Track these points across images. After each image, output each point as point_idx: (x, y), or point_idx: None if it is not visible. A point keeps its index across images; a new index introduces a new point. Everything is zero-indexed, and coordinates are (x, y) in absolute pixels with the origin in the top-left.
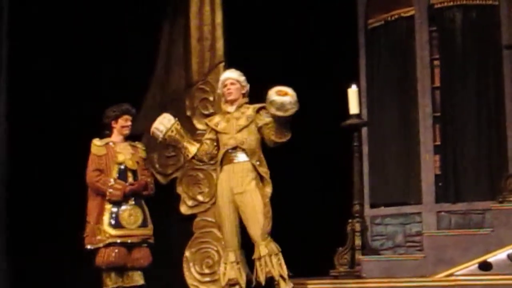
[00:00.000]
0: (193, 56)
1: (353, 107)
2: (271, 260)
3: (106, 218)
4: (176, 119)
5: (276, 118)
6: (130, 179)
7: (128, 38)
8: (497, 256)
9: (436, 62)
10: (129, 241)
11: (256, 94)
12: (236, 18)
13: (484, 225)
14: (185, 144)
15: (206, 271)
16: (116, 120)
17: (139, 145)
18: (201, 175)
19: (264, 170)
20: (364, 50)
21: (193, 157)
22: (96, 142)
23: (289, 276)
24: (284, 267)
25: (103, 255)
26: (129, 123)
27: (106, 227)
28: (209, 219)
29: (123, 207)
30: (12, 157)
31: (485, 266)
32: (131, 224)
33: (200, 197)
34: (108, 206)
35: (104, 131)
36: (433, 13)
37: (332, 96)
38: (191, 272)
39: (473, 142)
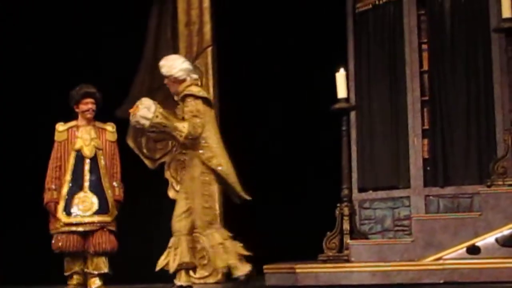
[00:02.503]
0: (181, 40)
1: (341, 91)
2: (214, 252)
3: (61, 205)
4: (156, 102)
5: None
6: (87, 167)
7: (116, 23)
8: (486, 240)
9: (425, 46)
10: (80, 229)
11: (244, 78)
12: (223, 2)
13: (472, 209)
14: (175, 124)
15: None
16: (78, 105)
17: (108, 127)
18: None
19: (189, 160)
20: (352, 34)
21: (187, 136)
22: (58, 127)
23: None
24: (232, 254)
25: (56, 240)
26: (90, 106)
27: (60, 214)
28: None
29: (77, 195)
30: None
31: (474, 250)
32: (84, 212)
33: None
34: (63, 193)
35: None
36: None
37: (320, 80)
38: None
39: (461, 126)
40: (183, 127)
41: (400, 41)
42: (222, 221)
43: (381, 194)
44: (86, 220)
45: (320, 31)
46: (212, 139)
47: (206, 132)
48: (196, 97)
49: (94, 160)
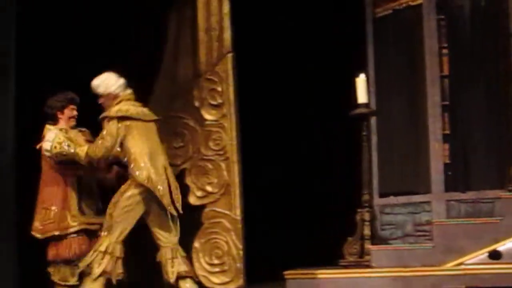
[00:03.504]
0: (201, 46)
1: (362, 96)
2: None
3: (73, 203)
4: (59, 131)
5: None
6: None
7: (136, 30)
8: (507, 245)
9: (445, 51)
10: (92, 228)
11: (263, 84)
12: (243, 8)
13: (493, 214)
14: (75, 150)
15: (216, 261)
16: (62, 111)
17: (85, 130)
18: (210, 165)
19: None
20: (372, 39)
21: (86, 161)
22: (51, 128)
23: None
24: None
25: (69, 245)
26: (75, 112)
27: (75, 212)
28: (218, 209)
29: (84, 193)
30: None
31: (495, 255)
32: (91, 212)
33: (209, 188)
34: (73, 192)
35: (47, 121)
36: (441, 1)
37: (341, 86)
38: (201, 263)
39: (482, 131)
40: (82, 151)
41: (419, 45)
42: (243, 226)
43: (401, 199)
44: (93, 220)
45: (339, 36)
46: (138, 152)
47: (132, 146)
48: (110, 118)
49: None
